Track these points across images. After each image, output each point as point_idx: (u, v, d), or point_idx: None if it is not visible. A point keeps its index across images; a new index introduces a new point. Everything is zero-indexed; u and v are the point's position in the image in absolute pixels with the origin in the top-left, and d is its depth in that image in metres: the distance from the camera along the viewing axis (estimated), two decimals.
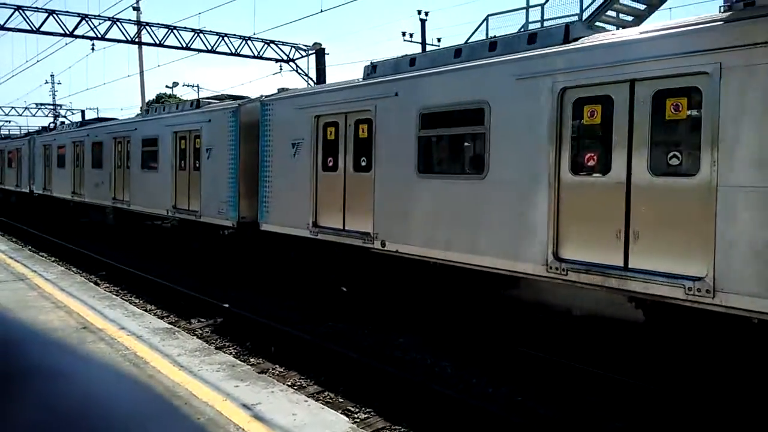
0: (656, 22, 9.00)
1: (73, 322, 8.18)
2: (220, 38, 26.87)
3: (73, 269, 14.64)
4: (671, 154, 6.25)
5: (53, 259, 16.27)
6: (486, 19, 19.53)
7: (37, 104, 57.45)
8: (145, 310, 10.19)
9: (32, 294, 10.01)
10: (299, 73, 28.88)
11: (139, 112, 35.31)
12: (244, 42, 27.33)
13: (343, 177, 10.21)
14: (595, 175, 6.85)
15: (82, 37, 24.82)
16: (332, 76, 34.15)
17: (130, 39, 25.99)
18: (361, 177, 9.85)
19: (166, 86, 72.10)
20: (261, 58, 28.16)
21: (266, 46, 27.91)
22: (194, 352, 7.03)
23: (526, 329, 8.36)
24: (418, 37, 34.12)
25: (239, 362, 7.10)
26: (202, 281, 13.31)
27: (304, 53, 28.47)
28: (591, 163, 6.96)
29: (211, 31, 26.78)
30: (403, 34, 35.04)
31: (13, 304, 8.77)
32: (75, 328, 7.81)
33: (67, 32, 24.30)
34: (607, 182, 6.61)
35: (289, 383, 7.22)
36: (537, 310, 8.22)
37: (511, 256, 7.57)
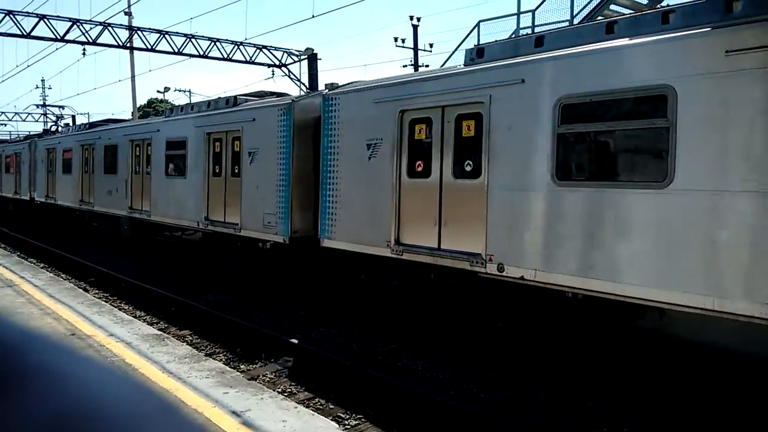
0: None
1: (61, 328, 8.10)
2: (212, 43, 26.80)
3: (62, 275, 14.52)
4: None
5: (42, 265, 16.10)
6: (477, 25, 19.65)
7: (37, 105, 55.15)
8: (135, 317, 10.11)
9: (20, 300, 9.91)
10: (291, 79, 28.88)
11: (131, 117, 35.17)
12: (236, 47, 27.27)
13: (438, 185, 8.55)
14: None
15: (73, 41, 24.63)
16: (324, 82, 34.05)
17: (121, 44, 25.87)
18: (465, 185, 8.21)
19: (158, 91, 71.80)
20: (253, 63, 28.13)
21: (258, 51, 27.87)
22: (183, 359, 6.98)
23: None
24: (410, 42, 34.35)
25: (229, 369, 7.05)
26: (254, 310, 11.31)
27: (296, 59, 28.46)
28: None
29: (203, 36, 26.66)
30: (395, 39, 35.08)
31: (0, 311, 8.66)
32: (63, 335, 7.72)
33: (59, 37, 24.16)
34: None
35: (279, 390, 7.18)
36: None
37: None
